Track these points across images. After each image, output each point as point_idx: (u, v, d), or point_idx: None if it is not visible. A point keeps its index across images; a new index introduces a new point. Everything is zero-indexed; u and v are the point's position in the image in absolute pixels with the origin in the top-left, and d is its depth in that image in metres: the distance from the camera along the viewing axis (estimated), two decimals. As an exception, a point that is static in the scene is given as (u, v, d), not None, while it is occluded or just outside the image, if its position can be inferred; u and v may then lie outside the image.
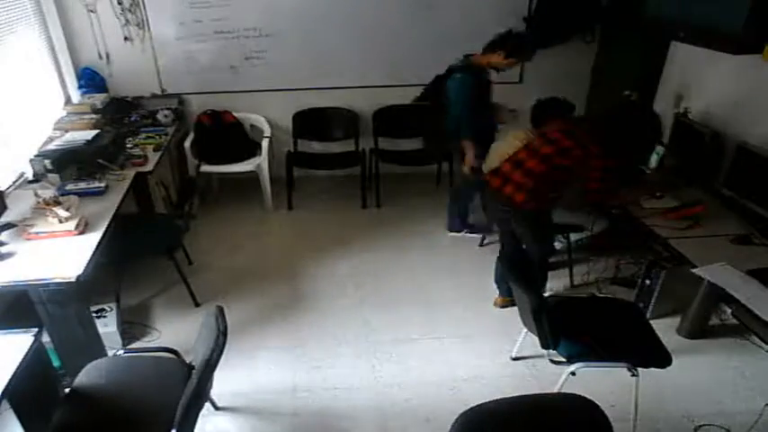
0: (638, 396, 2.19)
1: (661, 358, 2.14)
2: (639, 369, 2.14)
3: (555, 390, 2.26)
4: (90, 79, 3.94)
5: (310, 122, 4.35)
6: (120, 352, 2.23)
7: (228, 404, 2.41)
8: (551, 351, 2.21)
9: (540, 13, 4.06)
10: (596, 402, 1.44)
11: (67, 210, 2.46)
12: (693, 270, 2.25)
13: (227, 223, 3.99)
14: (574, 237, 3.30)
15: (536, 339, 2.74)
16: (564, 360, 2.17)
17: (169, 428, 1.65)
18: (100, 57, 3.98)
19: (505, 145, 3.12)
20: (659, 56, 3.62)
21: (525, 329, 2.50)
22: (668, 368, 2.55)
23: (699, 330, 2.76)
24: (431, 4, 4.03)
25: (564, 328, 2.17)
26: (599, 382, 2.45)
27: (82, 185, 2.81)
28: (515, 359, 2.67)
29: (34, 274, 2.09)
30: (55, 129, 3.45)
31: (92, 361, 2.04)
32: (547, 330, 2.11)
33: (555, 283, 3.21)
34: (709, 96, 3.21)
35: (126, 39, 3.95)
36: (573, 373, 2.17)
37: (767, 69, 2.65)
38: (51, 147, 3.09)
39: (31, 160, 2.94)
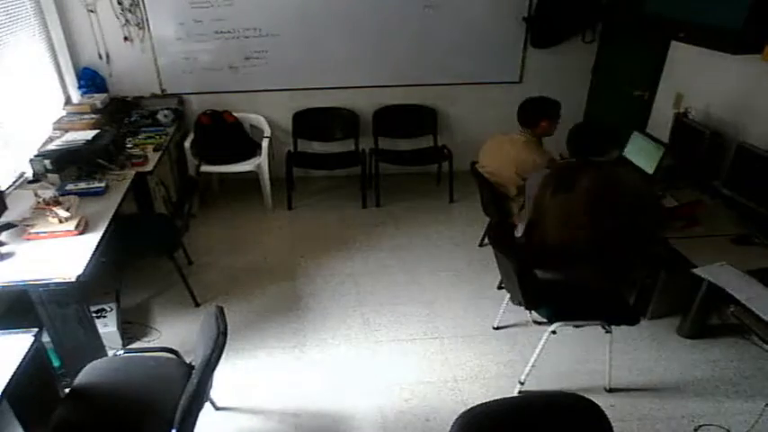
0: (612, 351, 2.44)
1: (630, 317, 2.36)
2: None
3: (537, 350, 2.41)
4: (90, 79, 3.94)
5: (310, 122, 4.35)
6: (120, 352, 2.23)
7: (228, 404, 2.41)
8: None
9: (540, 12, 4.07)
10: (596, 402, 1.44)
11: (67, 210, 2.46)
12: (693, 270, 2.25)
13: (227, 223, 3.99)
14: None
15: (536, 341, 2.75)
16: (545, 321, 2.34)
17: (169, 428, 1.65)
18: (100, 57, 3.98)
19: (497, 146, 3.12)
20: (659, 55, 3.62)
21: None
22: (668, 368, 2.57)
23: (699, 330, 2.75)
24: (431, 4, 4.03)
25: (544, 293, 2.36)
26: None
27: (82, 185, 2.81)
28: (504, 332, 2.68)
29: (34, 274, 2.09)
30: (55, 129, 3.45)
31: (92, 361, 2.04)
32: (530, 291, 2.24)
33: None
34: (709, 96, 3.21)
35: (126, 39, 3.95)
36: (554, 332, 2.32)
37: (767, 69, 2.65)
38: (51, 147, 3.09)
39: (31, 160, 2.94)
